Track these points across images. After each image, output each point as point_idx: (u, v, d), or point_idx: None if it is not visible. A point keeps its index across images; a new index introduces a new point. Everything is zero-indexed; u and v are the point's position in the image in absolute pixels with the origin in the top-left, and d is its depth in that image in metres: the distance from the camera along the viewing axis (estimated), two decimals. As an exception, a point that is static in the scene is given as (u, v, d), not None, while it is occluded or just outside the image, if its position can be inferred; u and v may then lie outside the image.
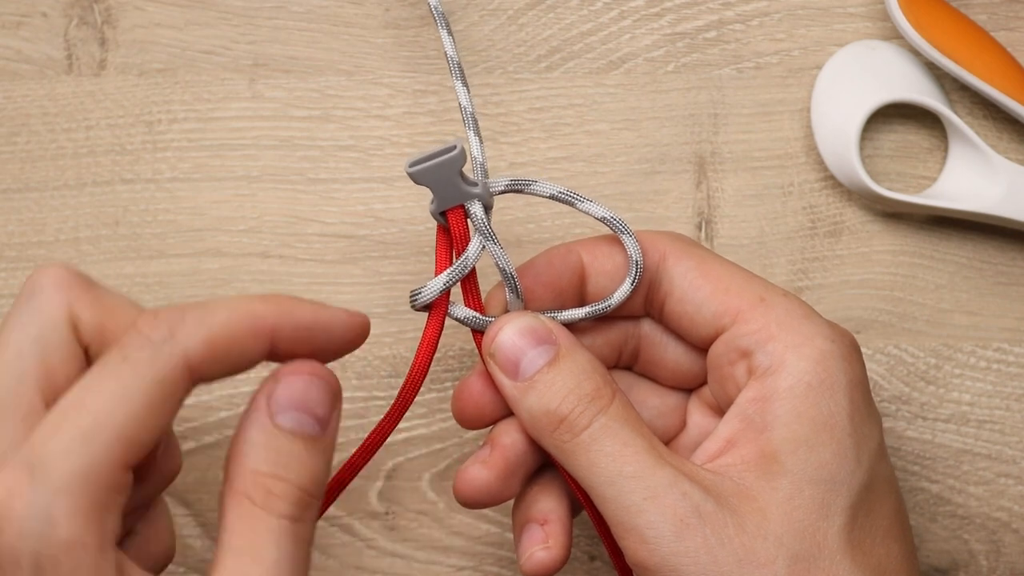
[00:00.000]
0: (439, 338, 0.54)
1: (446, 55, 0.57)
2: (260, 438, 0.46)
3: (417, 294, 0.54)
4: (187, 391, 0.47)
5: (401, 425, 0.64)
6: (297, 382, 0.47)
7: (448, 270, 0.53)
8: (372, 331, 0.63)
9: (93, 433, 0.44)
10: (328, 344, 0.50)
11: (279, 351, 0.49)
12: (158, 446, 0.50)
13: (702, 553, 0.49)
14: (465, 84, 0.56)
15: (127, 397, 0.45)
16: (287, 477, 0.46)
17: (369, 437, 0.54)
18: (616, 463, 0.50)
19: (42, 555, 0.43)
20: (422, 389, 0.65)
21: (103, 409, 0.44)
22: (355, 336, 0.51)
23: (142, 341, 0.46)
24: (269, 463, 0.46)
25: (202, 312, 0.47)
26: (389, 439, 0.64)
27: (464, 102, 0.56)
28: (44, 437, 0.44)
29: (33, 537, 0.43)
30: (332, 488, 0.55)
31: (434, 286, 0.53)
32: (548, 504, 0.55)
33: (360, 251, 0.65)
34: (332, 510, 0.65)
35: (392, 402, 0.54)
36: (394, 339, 0.65)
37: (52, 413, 0.45)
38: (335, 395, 0.48)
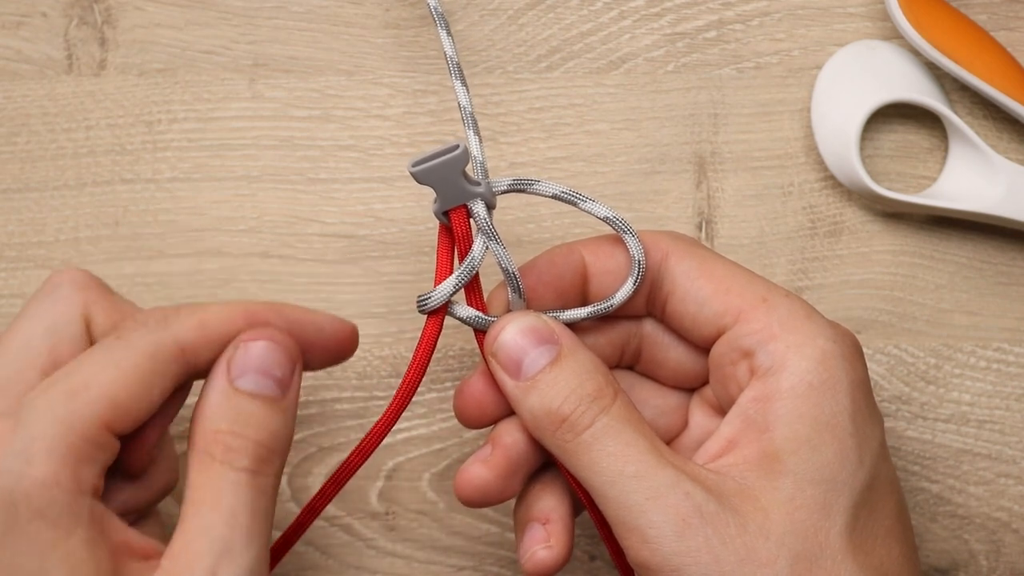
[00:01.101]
0: (437, 339, 0.54)
1: (445, 55, 0.57)
2: (220, 400, 0.49)
3: (426, 299, 0.54)
4: (180, 372, 0.50)
5: (401, 425, 0.64)
6: (255, 347, 0.50)
7: (456, 273, 0.53)
8: (372, 331, 0.64)
9: (78, 391, 0.47)
10: (318, 344, 0.53)
11: None
12: (152, 443, 0.52)
13: (704, 553, 0.48)
14: (464, 84, 0.56)
15: (115, 364, 0.48)
16: (245, 433, 0.48)
17: (366, 437, 0.54)
18: (618, 463, 0.50)
19: (16, 491, 0.46)
20: (422, 389, 0.65)
21: (90, 372, 0.48)
22: (344, 341, 0.54)
23: (137, 325, 0.50)
24: (228, 421, 0.49)
25: (197, 305, 0.51)
26: (389, 439, 0.64)
27: (463, 102, 0.56)
28: (33, 395, 0.48)
29: (11, 475, 0.46)
30: (329, 488, 0.55)
31: (443, 291, 0.53)
32: (550, 503, 0.55)
33: (360, 251, 0.65)
34: (332, 510, 0.65)
35: (390, 402, 0.54)
36: (394, 339, 0.65)
37: (44, 380, 0.48)
38: (293, 359, 0.51)
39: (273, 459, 0.49)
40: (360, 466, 0.54)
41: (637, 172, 0.65)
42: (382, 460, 0.65)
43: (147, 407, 0.49)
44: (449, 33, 0.57)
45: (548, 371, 0.52)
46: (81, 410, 0.47)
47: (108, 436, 0.48)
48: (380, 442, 0.54)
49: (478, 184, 0.53)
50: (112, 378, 0.48)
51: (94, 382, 0.48)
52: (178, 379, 0.50)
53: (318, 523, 0.65)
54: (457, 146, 0.52)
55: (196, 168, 0.65)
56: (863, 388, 0.52)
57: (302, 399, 0.64)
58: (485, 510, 0.65)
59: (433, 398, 0.65)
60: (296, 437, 0.65)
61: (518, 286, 0.53)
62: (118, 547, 0.48)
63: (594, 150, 0.65)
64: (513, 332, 0.53)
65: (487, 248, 0.53)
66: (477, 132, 0.55)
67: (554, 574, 0.54)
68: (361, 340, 0.64)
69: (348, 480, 0.55)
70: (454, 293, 0.53)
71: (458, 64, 0.56)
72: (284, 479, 0.65)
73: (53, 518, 0.46)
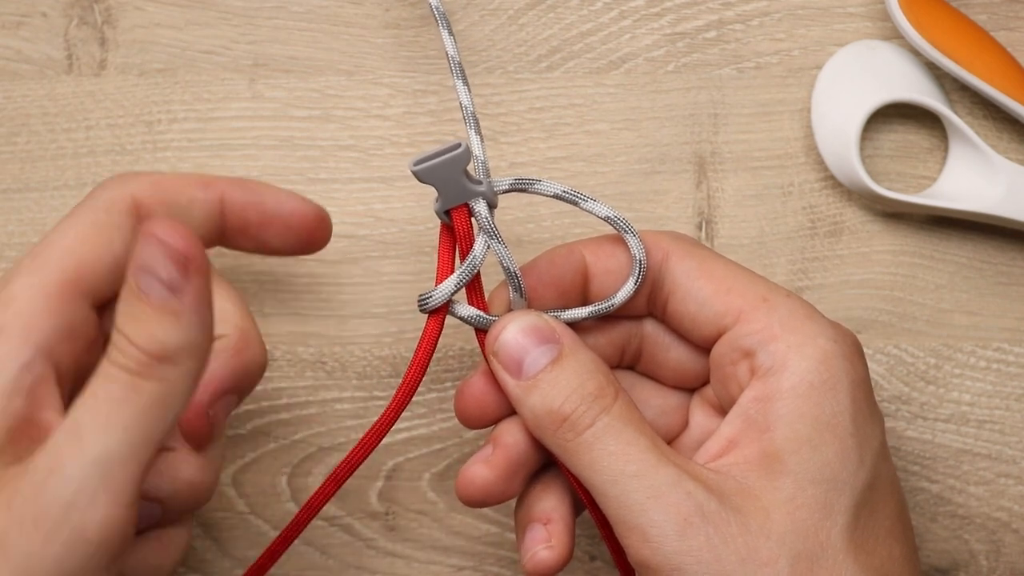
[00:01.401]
0: (438, 338, 0.54)
1: (447, 55, 0.57)
2: (124, 295, 0.46)
3: (427, 299, 0.54)
4: (136, 225, 0.51)
5: (401, 425, 0.64)
6: (146, 243, 0.45)
7: (458, 272, 0.53)
8: (372, 331, 0.64)
9: (44, 253, 0.50)
10: (281, 222, 0.55)
11: (231, 218, 0.55)
12: (207, 406, 0.52)
13: (705, 552, 0.49)
14: (466, 83, 0.56)
15: (74, 224, 0.51)
16: (127, 333, 0.45)
17: (367, 434, 0.54)
18: (619, 462, 0.50)
19: None
20: (422, 389, 0.65)
21: (55, 236, 0.51)
22: (309, 223, 0.56)
23: (97, 188, 0.53)
24: (121, 318, 0.45)
25: (157, 170, 0.55)
26: (389, 439, 0.64)
27: (465, 101, 0.56)
28: (14, 269, 0.51)
29: None
30: (329, 487, 0.55)
31: (444, 290, 0.53)
32: (551, 503, 0.55)
33: (360, 251, 0.65)
34: (332, 510, 0.65)
35: (391, 400, 0.54)
36: (394, 339, 0.65)
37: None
38: (182, 260, 0.44)
39: (158, 366, 0.45)
40: (360, 464, 0.54)
41: (637, 172, 0.65)
42: (382, 460, 0.65)
43: (110, 259, 0.51)
44: (451, 33, 0.57)
45: (549, 370, 0.52)
46: (47, 270, 0.49)
47: (74, 299, 0.49)
48: (380, 440, 0.54)
49: (480, 183, 0.53)
50: (73, 235, 0.50)
51: (57, 243, 0.50)
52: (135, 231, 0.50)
53: (318, 523, 0.65)
54: (459, 145, 0.52)
55: (196, 168, 0.65)
56: (864, 388, 0.52)
57: (302, 399, 0.64)
58: (485, 510, 0.65)
59: (433, 398, 0.65)
60: (296, 437, 0.65)
61: (519, 285, 0.53)
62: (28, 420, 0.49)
63: (594, 150, 0.65)
64: (514, 331, 0.53)
65: (488, 247, 0.53)
66: (479, 132, 0.55)
67: (555, 574, 0.54)
68: (361, 340, 0.64)
69: (348, 478, 0.55)
70: (455, 292, 0.53)
71: (460, 64, 0.56)
72: (283, 479, 0.65)
73: None
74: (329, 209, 0.64)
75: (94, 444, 0.44)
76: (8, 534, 0.45)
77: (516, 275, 0.53)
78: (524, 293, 0.54)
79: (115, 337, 0.45)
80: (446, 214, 0.53)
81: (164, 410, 0.46)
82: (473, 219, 0.53)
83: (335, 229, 0.64)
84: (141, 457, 0.45)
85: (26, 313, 0.48)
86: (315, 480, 0.65)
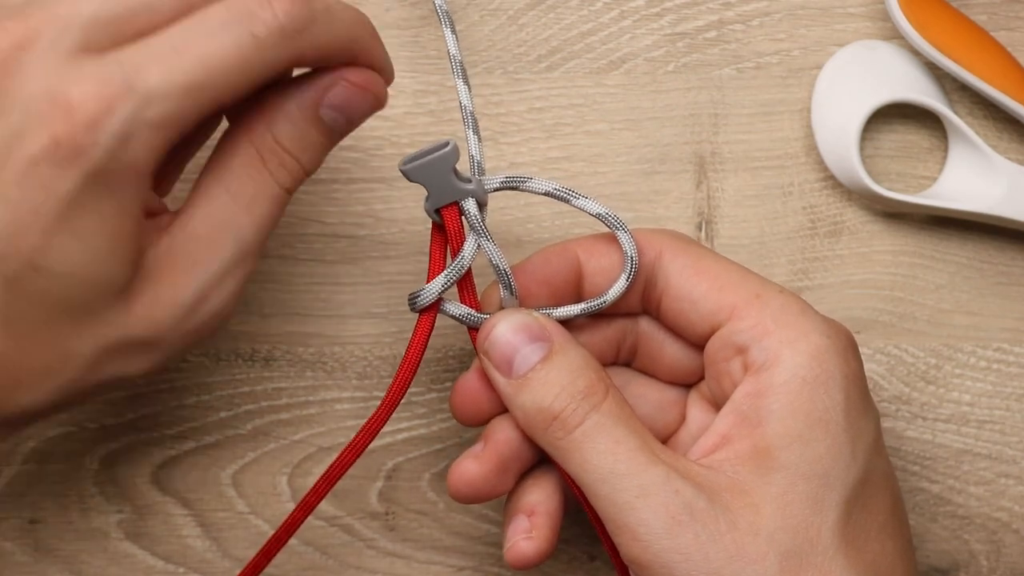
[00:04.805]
0: (430, 335, 0.54)
1: (449, 54, 0.57)
2: (298, 117, 0.49)
3: (416, 297, 0.54)
4: None
5: (401, 425, 0.65)
6: (354, 91, 0.50)
7: (445, 271, 0.53)
8: (372, 331, 0.64)
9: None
10: None
11: None
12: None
13: (693, 550, 0.49)
14: (467, 83, 0.56)
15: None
16: (301, 160, 0.50)
17: (359, 433, 0.54)
18: (608, 460, 0.50)
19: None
20: (423, 389, 0.65)
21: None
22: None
23: None
24: (293, 142, 0.49)
25: None
26: (389, 439, 0.64)
27: (465, 101, 0.56)
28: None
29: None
30: (323, 484, 0.55)
31: (433, 288, 0.53)
32: (537, 497, 0.55)
33: (360, 251, 0.65)
34: (332, 510, 0.65)
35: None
36: (394, 339, 0.65)
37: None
38: (375, 109, 0.51)
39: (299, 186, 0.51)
40: (353, 462, 0.55)
41: (637, 172, 0.65)
42: (382, 460, 0.65)
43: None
44: (454, 31, 0.57)
45: (539, 368, 0.52)
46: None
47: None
48: (372, 438, 0.54)
49: (469, 182, 0.53)
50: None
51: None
52: None
53: (318, 523, 0.65)
54: (447, 143, 0.52)
55: (196, 168, 0.64)
56: (857, 383, 0.52)
57: (302, 399, 0.65)
58: (485, 510, 0.65)
59: (433, 398, 0.65)
60: (296, 437, 0.65)
61: (510, 284, 0.54)
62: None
63: (594, 150, 0.65)
64: (504, 329, 0.53)
65: (478, 246, 0.53)
66: (477, 131, 0.55)
67: (534, 566, 0.54)
68: (361, 340, 0.64)
69: (341, 476, 0.55)
70: (444, 291, 0.53)
71: (461, 63, 0.56)
72: (283, 479, 0.65)
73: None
74: (329, 209, 0.64)
75: (250, 268, 0.50)
76: None
77: (506, 273, 0.53)
78: (515, 291, 0.54)
79: (284, 158, 0.49)
80: (436, 213, 0.53)
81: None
82: (464, 218, 0.53)
83: (335, 229, 0.64)
84: None
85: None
86: (315, 480, 0.65)
